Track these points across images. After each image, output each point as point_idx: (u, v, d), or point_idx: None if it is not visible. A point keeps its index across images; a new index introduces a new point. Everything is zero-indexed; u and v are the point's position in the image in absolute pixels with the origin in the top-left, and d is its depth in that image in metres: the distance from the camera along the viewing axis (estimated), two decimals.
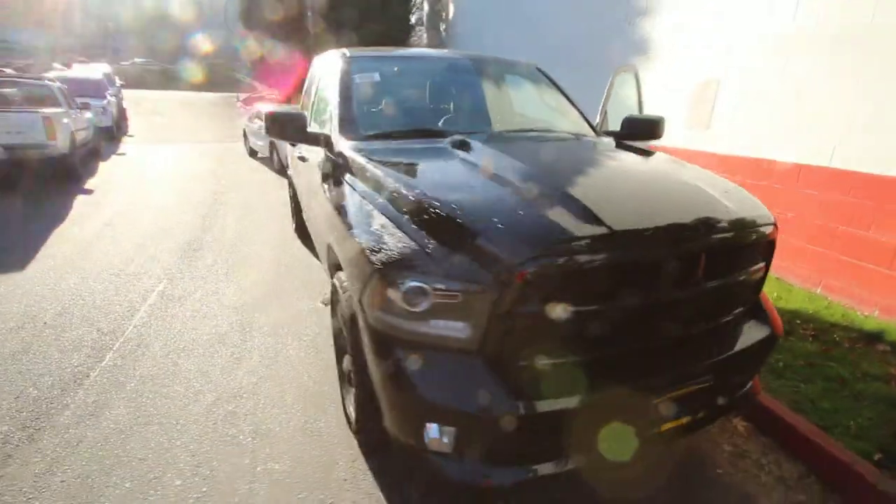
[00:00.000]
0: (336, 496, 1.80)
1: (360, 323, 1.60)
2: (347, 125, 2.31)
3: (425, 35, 15.66)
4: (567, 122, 2.79)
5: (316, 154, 2.65)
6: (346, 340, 1.83)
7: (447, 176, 1.90)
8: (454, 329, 1.40)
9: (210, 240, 4.81)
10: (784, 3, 3.82)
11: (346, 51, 2.81)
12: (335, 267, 2.02)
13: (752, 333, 1.76)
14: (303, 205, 3.40)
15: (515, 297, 1.33)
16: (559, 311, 1.36)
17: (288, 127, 2.43)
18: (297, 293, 3.59)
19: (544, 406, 1.37)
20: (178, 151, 10.64)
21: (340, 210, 1.94)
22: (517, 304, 1.34)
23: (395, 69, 2.69)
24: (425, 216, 1.53)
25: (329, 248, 2.13)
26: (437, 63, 2.97)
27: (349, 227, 1.78)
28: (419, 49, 2.78)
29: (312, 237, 3.17)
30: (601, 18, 6.07)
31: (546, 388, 1.40)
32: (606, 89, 3.32)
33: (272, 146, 8.57)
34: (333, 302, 2.11)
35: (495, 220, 1.47)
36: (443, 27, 14.62)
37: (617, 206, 1.58)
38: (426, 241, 1.45)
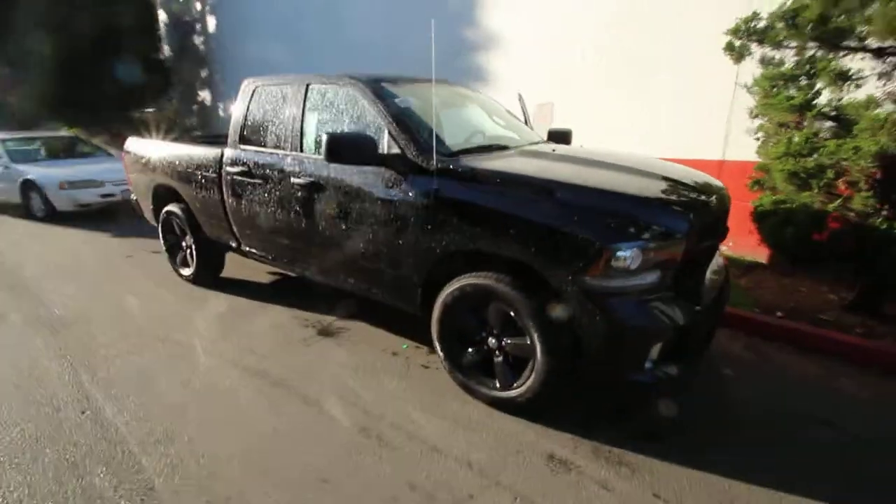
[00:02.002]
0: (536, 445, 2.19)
1: (575, 291, 2.06)
2: (425, 146, 2.53)
3: (167, 47, 13.88)
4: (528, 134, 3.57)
5: (367, 177, 2.68)
6: (531, 320, 2.20)
7: (580, 172, 2.45)
8: (651, 276, 2.06)
9: None
10: (587, 52, 5.55)
11: (354, 77, 2.88)
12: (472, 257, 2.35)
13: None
14: (301, 231, 3.16)
15: (686, 246, 2.09)
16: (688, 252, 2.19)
17: (359, 150, 2.48)
18: None
19: (690, 319, 2.17)
20: None
21: (495, 213, 2.23)
22: (683, 251, 2.10)
23: (413, 93, 2.94)
24: (603, 198, 2.13)
25: (425, 251, 2.47)
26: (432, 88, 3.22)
27: (530, 222, 2.12)
28: (404, 75, 2.96)
29: (346, 263, 3.00)
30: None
31: (687, 308, 2.20)
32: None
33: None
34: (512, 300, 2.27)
35: (657, 196, 2.21)
36: (199, 40, 13.27)
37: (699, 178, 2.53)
38: (615, 216, 2.04)
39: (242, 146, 3.42)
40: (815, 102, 3.05)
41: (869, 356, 2.88)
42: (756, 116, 3.61)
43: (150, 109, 15.12)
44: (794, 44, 3.13)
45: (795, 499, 1.94)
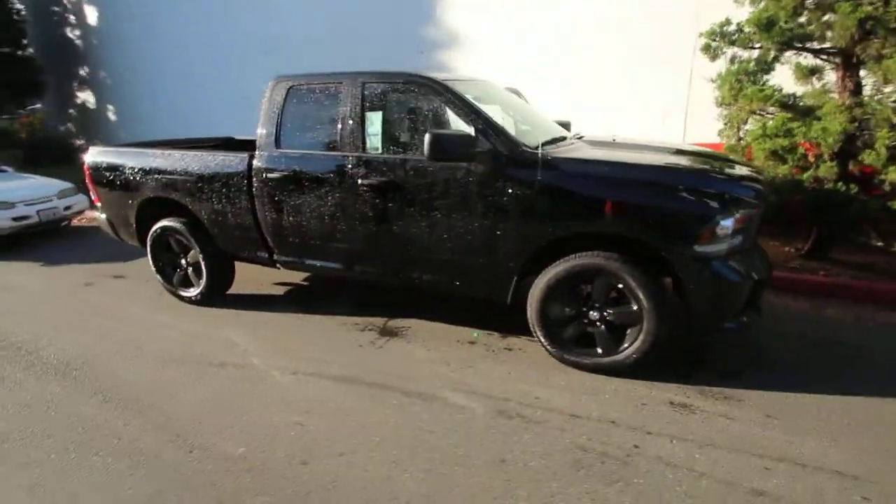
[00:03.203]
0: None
1: (686, 259, 2.41)
2: (515, 140, 2.69)
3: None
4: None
5: (457, 171, 2.75)
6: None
7: (656, 157, 2.77)
8: (738, 239, 2.48)
9: None
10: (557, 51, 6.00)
11: (424, 76, 2.90)
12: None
13: None
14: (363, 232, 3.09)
15: (759, 211, 2.55)
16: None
17: (462, 147, 2.56)
18: None
19: (762, 273, 2.65)
20: None
21: (608, 198, 2.49)
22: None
23: (471, 90, 3.03)
24: (699, 177, 2.53)
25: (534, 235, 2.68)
26: (475, 85, 3.30)
27: (647, 205, 2.42)
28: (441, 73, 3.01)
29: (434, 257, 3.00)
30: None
31: (758, 263, 2.67)
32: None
33: None
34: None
35: (735, 172, 2.65)
36: (76, 33, 11.46)
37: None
38: (714, 193, 2.42)
39: (282, 150, 3.23)
40: (781, 93, 3.77)
41: (839, 290, 3.69)
42: (721, 105, 4.31)
43: (7, 116, 12.78)
44: (759, 45, 3.83)
45: (867, 399, 2.50)
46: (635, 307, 2.56)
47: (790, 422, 2.36)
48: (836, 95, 3.74)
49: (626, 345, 2.65)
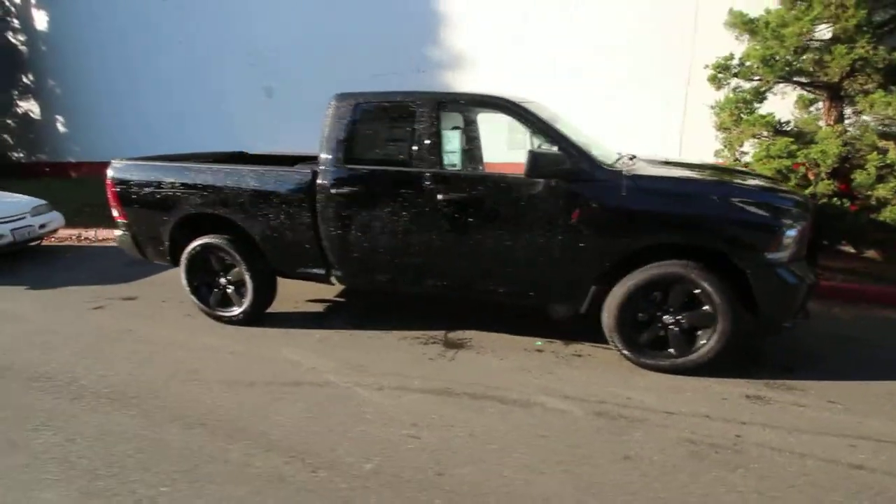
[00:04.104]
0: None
1: (756, 266, 2.70)
2: (594, 159, 2.90)
3: None
4: None
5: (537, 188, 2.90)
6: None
7: (713, 175, 3.13)
8: (796, 247, 2.80)
9: None
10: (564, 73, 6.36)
11: (500, 98, 3.06)
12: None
13: None
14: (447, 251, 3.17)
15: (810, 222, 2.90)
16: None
17: (556, 164, 2.76)
18: None
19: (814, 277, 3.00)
20: None
21: (687, 212, 2.76)
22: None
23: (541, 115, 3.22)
24: (765, 193, 2.86)
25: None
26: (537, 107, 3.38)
27: (724, 217, 2.70)
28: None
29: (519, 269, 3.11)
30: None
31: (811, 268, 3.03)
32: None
33: None
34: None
35: (788, 188, 2.98)
36: (21, 39, 10.56)
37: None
38: (779, 207, 2.75)
39: (350, 165, 3.24)
40: (778, 120, 4.30)
41: (835, 292, 4.20)
42: (721, 129, 4.82)
43: None
44: (758, 78, 4.36)
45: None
46: (709, 310, 2.82)
47: (849, 405, 2.69)
48: (822, 123, 4.32)
49: (700, 344, 2.89)
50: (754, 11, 4.36)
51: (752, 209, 2.72)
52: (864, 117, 4.18)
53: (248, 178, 3.45)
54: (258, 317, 3.79)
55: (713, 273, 2.76)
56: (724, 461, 2.25)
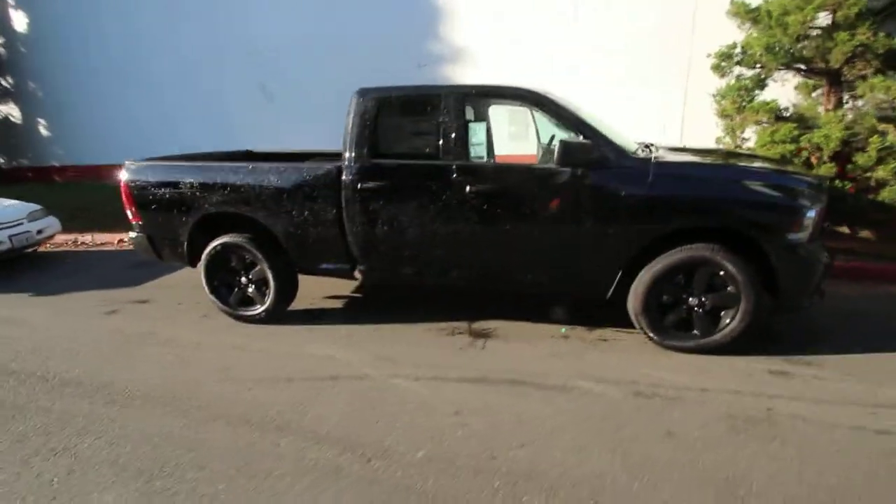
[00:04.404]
0: None
1: (779, 247, 2.81)
2: (620, 147, 2.97)
3: None
4: None
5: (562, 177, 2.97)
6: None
7: (731, 160, 3.21)
8: (814, 228, 2.91)
9: None
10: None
11: (527, 90, 3.09)
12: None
13: None
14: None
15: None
16: None
17: (584, 153, 2.82)
18: None
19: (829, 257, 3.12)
20: None
21: (714, 196, 2.86)
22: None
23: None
24: (786, 178, 2.98)
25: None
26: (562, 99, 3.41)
27: (750, 201, 2.83)
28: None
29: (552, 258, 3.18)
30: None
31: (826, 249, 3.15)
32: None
33: None
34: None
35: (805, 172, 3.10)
36: None
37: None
38: (799, 190, 2.86)
39: (377, 159, 3.25)
40: (779, 106, 4.44)
41: (839, 272, 4.36)
42: (723, 116, 4.94)
43: None
44: (761, 65, 4.48)
45: None
46: (732, 291, 2.92)
47: (863, 376, 2.82)
48: (821, 109, 4.48)
49: (724, 324, 3.00)
50: (754, 1, 4.48)
51: (775, 192, 2.83)
52: (861, 101, 4.34)
53: (271, 175, 3.43)
54: (280, 314, 3.78)
55: (736, 255, 2.86)
56: (761, 434, 2.36)
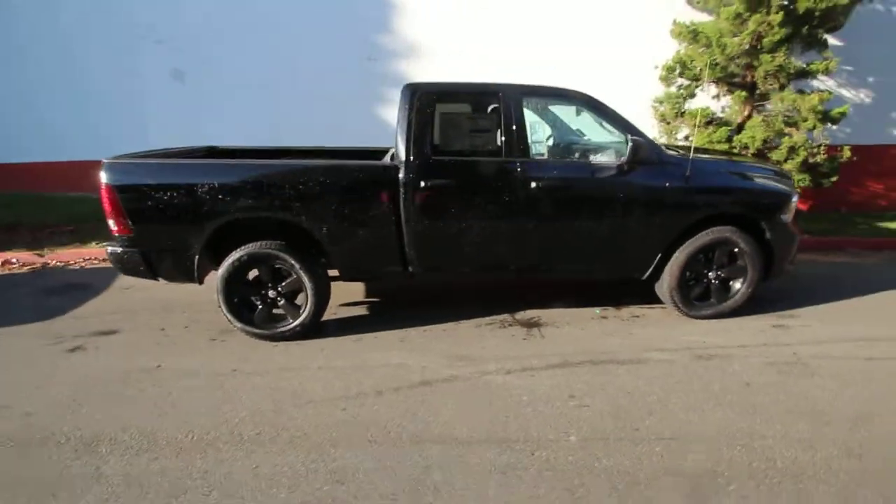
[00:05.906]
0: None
1: (774, 225, 3.48)
2: (658, 146, 3.37)
3: None
4: None
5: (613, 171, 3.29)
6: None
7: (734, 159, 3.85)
8: (793, 210, 3.67)
9: None
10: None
11: (580, 93, 3.31)
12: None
13: None
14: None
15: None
16: None
17: (655, 152, 3.21)
18: None
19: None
20: None
21: (734, 187, 3.46)
22: None
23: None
24: (774, 170, 3.67)
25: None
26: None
27: (759, 189, 3.50)
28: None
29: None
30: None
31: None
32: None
33: None
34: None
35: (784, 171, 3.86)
36: None
37: None
38: (788, 179, 3.58)
39: (437, 157, 3.18)
40: (717, 114, 5.42)
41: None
42: (661, 120, 5.81)
43: None
44: (698, 78, 5.39)
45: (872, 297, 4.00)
46: (742, 263, 3.55)
47: (838, 320, 3.70)
48: (738, 117, 5.56)
49: (735, 291, 3.63)
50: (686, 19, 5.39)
51: (775, 182, 3.53)
52: (769, 107, 5.51)
53: (318, 174, 3.12)
54: (317, 327, 3.46)
55: (747, 233, 3.50)
56: (800, 373, 2.97)
